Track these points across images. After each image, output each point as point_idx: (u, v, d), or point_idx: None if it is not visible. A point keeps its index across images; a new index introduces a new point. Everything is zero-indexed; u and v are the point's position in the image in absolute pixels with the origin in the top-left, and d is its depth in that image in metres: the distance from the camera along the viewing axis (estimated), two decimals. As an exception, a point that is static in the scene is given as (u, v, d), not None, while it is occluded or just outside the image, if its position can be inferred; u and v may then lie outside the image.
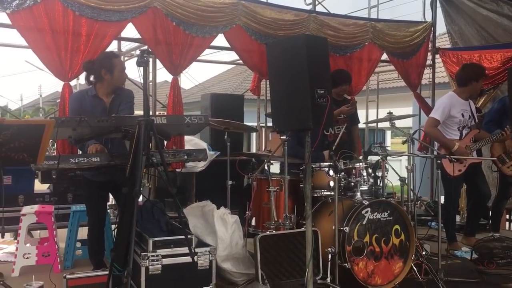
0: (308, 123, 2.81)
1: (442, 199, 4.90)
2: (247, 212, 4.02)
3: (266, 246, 3.26)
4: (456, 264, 4.03)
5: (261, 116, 7.56)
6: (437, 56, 6.92)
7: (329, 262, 3.39)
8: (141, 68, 3.06)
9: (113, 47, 5.71)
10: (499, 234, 4.87)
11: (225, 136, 4.47)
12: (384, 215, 3.68)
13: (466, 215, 5.46)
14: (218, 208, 3.72)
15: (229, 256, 3.49)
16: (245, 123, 6.06)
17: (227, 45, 5.48)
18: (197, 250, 3.29)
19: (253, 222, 4.02)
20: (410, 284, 3.71)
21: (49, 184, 5.42)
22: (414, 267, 3.78)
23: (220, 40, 5.35)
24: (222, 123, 4.49)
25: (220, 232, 3.51)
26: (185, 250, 3.15)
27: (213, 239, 3.53)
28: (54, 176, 5.16)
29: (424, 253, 4.06)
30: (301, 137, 3.48)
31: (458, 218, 5.82)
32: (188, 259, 3.15)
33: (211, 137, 6.33)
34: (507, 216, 6.95)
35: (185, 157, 3.51)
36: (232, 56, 7.30)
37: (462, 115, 4.75)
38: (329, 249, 3.43)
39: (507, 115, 4.90)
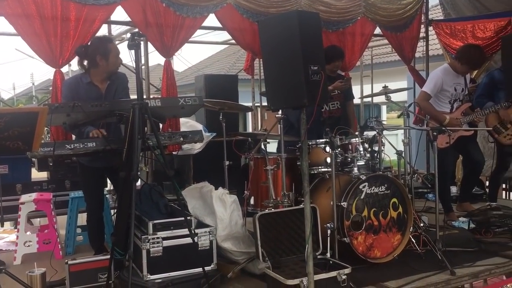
0: (302, 100, 2.79)
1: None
2: (245, 191, 4.04)
3: (266, 224, 3.27)
4: (453, 234, 4.07)
5: (256, 95, 7.53)
6: (430, 28, 6.87)
7: (329, 238, 3.41)
8: (133, 52, 3.02)
9: (103, 31, 5.66)
10: (496, 203, 4.91)
11: (220, 117, 4.46)
12: (382, 189, 3.70)
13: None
14: (216, 188, 3.73)
15: (229, 236, 3.51)
16: (240, 103, 6.04)
17: (219, 25, 5.43)
18: (197, 231, 3.31)
19: (251, 201, 4.05)
20: (409, 256, 3.75)
21: (46, 172, 5.42)
22: (412, 239, 3.82)
23: (212, 20, 5.31)
24: (217, 104, 4.47)
25: (219, 212, 3.52)
26: (185, 231, 3.17)
27: (212, 220, 3.55)
28: (50, 164, 5.13)
29: (422, 224, 4.08)
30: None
31: (455, 189, 5.87)
32: (188, 240, 3.17)
33: (207, 118, 6.32)
34: (504, 186, 7.02)
35: (181, 139, 3.51)
36: (225, 36, 7.23)
37: (455, 89, 4.74)
38: (328, 224, 3.45)
39: (497, 88, 4.90)
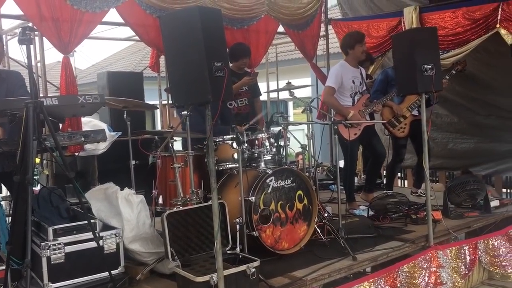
0: (207, 96, 2.79)
1: (341, 163, 5.19)
2: (153, 191, 3.96)
3: (174, 222, 3.23)
4: (355, 222, 4.31)
5: (163, 93, 7.40)
6: (330, 27, 7.19)
7: (238, 232, 3.46)
8: (24, 47, 2.83)
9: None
10: (392, 191, 5.27)
11: (125, 115, 4.32)
12: (288, 182, 3.82)
13: (365, 175, 5.84)
14: (122, 189, 3.61)
15: (136, 237, 3.43)
16: (147, 101, 5.90)
17: (122, 20, 5.25)
18: (102, 234, 3.19)
19: (160, 201, 3.97)
20: (315, 245, 3.91)
21: None
22: (317, 229, 3.99)
23: (115, 15, 5.13)
24: (120, 102, 4.33)
25: (126, 213, 3.41)
26: (89, 235, 3.06)
27: (118, 221, 3.43)
28: None
29: (326, 214, 4.28)
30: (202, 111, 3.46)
31: (356, 179, 6.21)
32: (93, 244, 3.05)
33: (111, 117, 6.11)
34: (399, 174, 7.56)
35: (82, 139, 3.35)
36: (129, 32, 7.01)
37: (353, 82, 5.03)
38: (237, 219, 3.49)
39: (390, 85, 5.30)
